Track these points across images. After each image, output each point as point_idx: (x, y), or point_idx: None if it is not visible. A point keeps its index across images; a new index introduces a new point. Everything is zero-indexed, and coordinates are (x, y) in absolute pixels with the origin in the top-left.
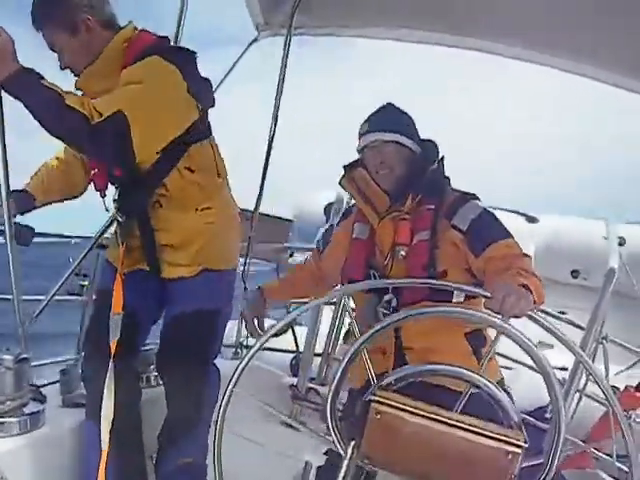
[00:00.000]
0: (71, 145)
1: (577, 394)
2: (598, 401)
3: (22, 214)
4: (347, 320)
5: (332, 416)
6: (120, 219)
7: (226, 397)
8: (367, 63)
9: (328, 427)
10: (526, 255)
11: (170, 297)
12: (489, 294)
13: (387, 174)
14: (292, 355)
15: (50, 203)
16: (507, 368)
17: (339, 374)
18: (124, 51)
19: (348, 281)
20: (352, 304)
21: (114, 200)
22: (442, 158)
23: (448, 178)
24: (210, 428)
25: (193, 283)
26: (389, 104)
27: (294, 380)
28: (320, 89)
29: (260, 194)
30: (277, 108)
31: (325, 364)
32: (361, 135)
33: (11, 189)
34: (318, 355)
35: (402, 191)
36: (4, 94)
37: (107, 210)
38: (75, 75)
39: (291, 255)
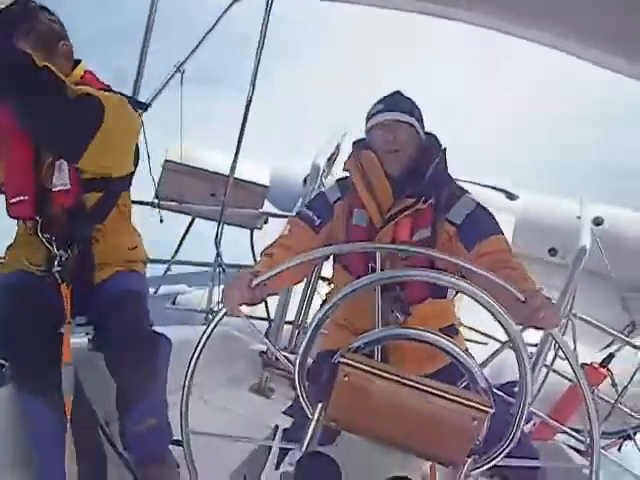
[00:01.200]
0: (38, 108)
1: (544, 369)
2: (564, 376)
3: None
4: (322, 290)
5: (300, 378)
6: (59, 254)
7: (193, 361)
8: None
9: (295, 389)
10: (514, 258)
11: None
12: (522, 298)
13: (397, 155)
14: (264, 324)
15: None
16: (482, 344)
17: (309, 334)
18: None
19: (345, 268)
20: (325, 273)
21: (44, 232)
22: (444, 150)
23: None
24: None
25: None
26: (399, 91)
27: (264, 347)
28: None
29: (235, 158)
30: (255, 71)
31: (296, 332)
32: (372, 115)
33: None
34: (289, 323)
35: (407, 181)
36: None
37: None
38: None
39: (265, 222)
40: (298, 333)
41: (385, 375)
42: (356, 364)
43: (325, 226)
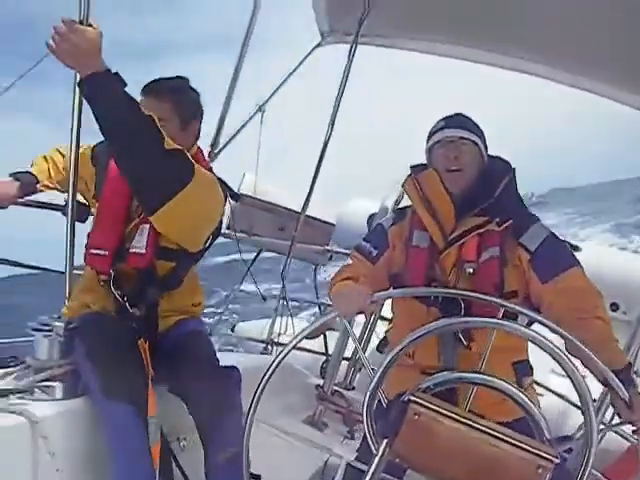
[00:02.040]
0: (133, 161)
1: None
2: (624, 436)
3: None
4: (379, 329)
5: (368, 412)
6: (133, 311)
7: (259, 392)
8: None
9: (364, 422)
10: (597, 290)
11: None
12: (627, 397)
13: (458, 174)
14: (321, 359)
15: (51, 189)
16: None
17: (379, 373)
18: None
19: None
20: (385, 313)
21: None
22: (514, 170)
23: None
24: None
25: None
26: (461, 113)
27: (320, 381)
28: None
29: (308, 196)
30: (335, 114)
31: (352, 369)
32: (434, 132)
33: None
34: (346, 359)
35: (471, 200)
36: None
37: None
38: None
39: (330, 258)
40: (354, 370)
41: (454, 417)
42: (427, 404)
43: (382, 256)
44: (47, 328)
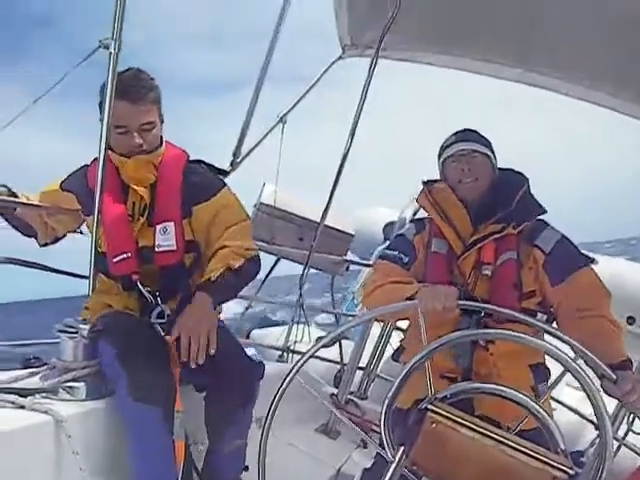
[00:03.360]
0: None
1: (615, 442)
2: (637, 452)
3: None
4: (393, 339)
5: (385, 420)
6: (162, 307)
7: (276, 400)
8: None
9: (380, 430)
10: (605, 289)
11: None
12: (614, 377)
13: (471, 184)
14: (335, 367)
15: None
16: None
17: (397, 383)
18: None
19: None
20: (401, 324)
21: (148, 291)
22: (528, 180)
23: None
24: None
25: None
26: (470, 128)
27: (334, 390)
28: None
29: (327, 206)
30: (355, 125)
31: (366, 378)
32: (446, 147)
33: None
34: (361, 369)
35: (488, 209)
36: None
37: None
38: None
39: (347, 269)
40: (368, 380)
41: (471, 426)
42: (444, 412)
43: (413, 265)
44: (72, 330)
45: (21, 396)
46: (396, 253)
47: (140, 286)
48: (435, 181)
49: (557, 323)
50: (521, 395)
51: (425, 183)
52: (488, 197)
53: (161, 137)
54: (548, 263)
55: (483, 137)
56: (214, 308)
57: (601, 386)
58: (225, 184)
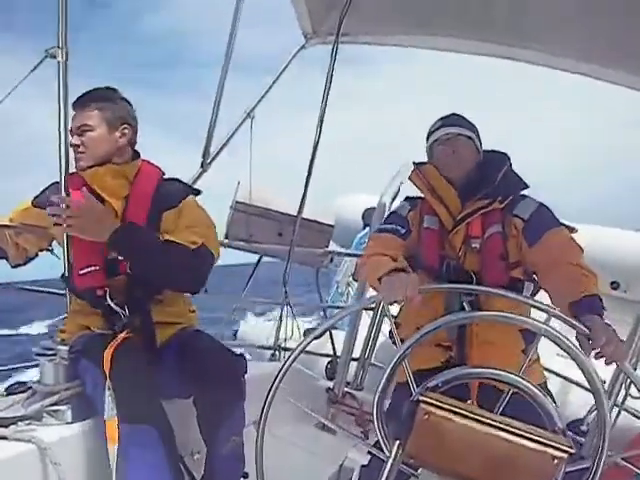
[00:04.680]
0: (172, 275)
1: (615, 408)
2: (638, 416)
3: None
4: (385, 327)
5: (378, 415)
6: (124, 315)
7: (269, 398)
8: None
9: (374, 426)
10: (578, 245)
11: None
12: (588, 331)
13: (456, 165)
14: (326, 359)
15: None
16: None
17: (387, 372)
18: (135, 173)
19: (425, 269)
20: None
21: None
22: (509, 157)
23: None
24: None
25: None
26: (456, 113)
27: (330, 384)
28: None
29: (303, 200)
30: (322, 115)
31: (361, 369)
32: (433, 131)
33: None
34: (355, 360)
35: (474, 186)
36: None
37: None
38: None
39: (331, 260)
40: (363, 370)
41: (465, 413)
42: (436, 402)
43: (409, 237)
44: (51, 352)
45: (2, 426)
46: (391, 225)
47: (108, 299)
48: (424, 163)
49: (540, 284)
50: (514, 376)
51: (415, 164)
52: (474, 176)
53: (136, 152)
54: (526, 229)
55: (467, 121)
56: (115, 241)
57: (580, 346)
58: (196, 195)
